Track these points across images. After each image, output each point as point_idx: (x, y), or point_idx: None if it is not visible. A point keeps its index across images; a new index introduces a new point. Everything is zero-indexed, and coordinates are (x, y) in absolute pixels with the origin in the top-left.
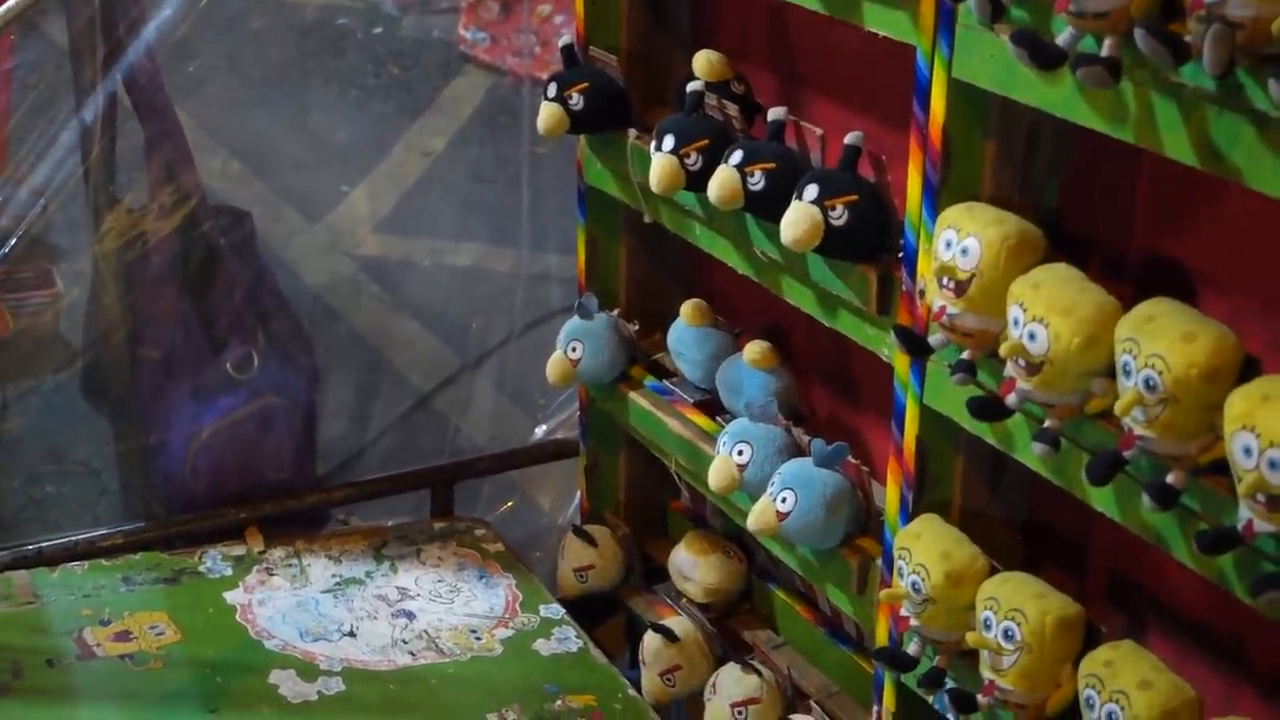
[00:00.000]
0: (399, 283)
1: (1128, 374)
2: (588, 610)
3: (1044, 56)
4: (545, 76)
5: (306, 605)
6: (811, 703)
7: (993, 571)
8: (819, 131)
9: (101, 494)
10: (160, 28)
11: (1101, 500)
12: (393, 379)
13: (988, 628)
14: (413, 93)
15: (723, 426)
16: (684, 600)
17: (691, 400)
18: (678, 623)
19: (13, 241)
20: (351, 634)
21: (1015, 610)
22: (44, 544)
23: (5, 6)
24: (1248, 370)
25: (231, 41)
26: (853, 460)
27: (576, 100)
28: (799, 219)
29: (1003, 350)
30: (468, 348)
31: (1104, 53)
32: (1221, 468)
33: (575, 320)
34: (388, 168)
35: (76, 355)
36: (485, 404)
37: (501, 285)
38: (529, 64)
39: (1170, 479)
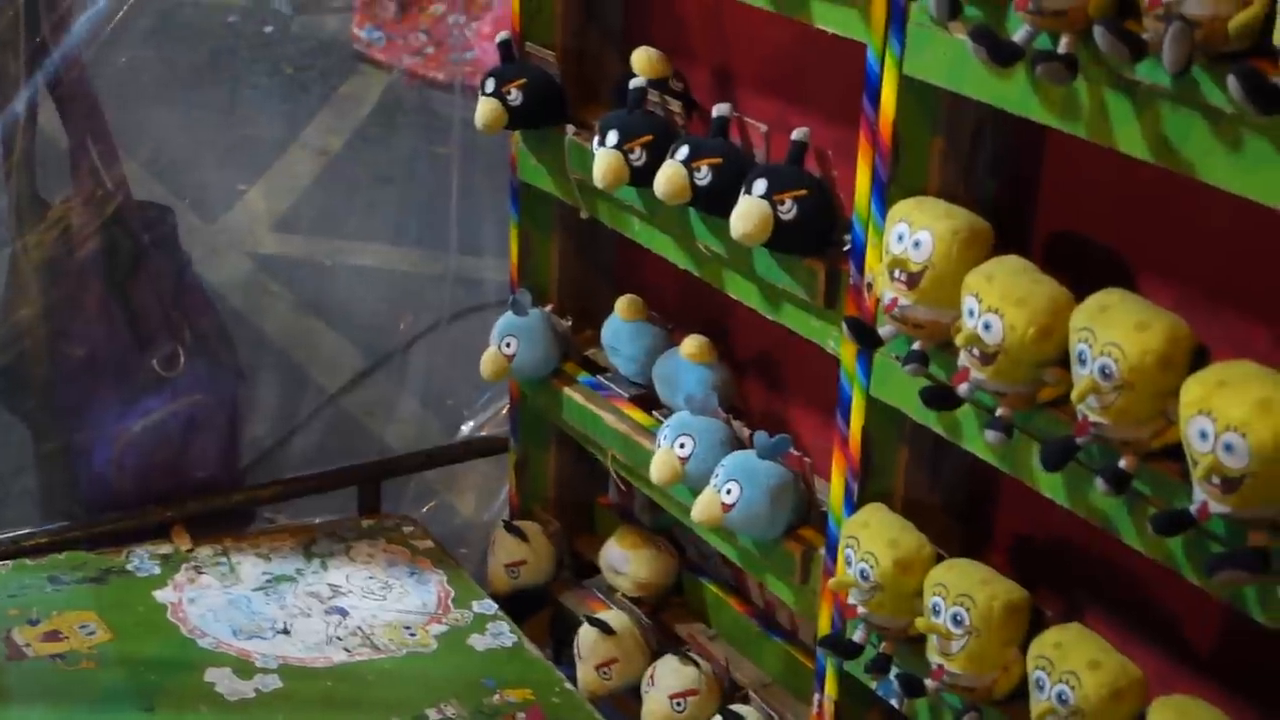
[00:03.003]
0: (301, 281)
1: (1083, 362)
2: (521, 604)
3: (1002, 53)
4: (442, 77)
5: (238, 603)
6: (750, 693)
7: (938, 559)
8: (763, 127)
9: (4, 495)
10: (90, 22)
11: (1050, 487)
12: (300, 379)
13: (936, 613)
14: (307, 91)
15: (659, 421)
16: (617, 595)
17: (627, 395)
18: (613, 616)
19: None
20: (285, 631)
21: (964, 595)
22: None
23: None
24: (1197, 358)
25: (124, 42)
26: (795, 452)
27: (515, 96)
28: (749, 213)
29: (958, 340)
30: (377, 346)
31: (1061, 50)
32: (1171, 453)
33: (509, 316)
34: (284, 166)
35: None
36: (407, 403)
37: (403, 284)
38: (425, 63)
39: (1123, 464)
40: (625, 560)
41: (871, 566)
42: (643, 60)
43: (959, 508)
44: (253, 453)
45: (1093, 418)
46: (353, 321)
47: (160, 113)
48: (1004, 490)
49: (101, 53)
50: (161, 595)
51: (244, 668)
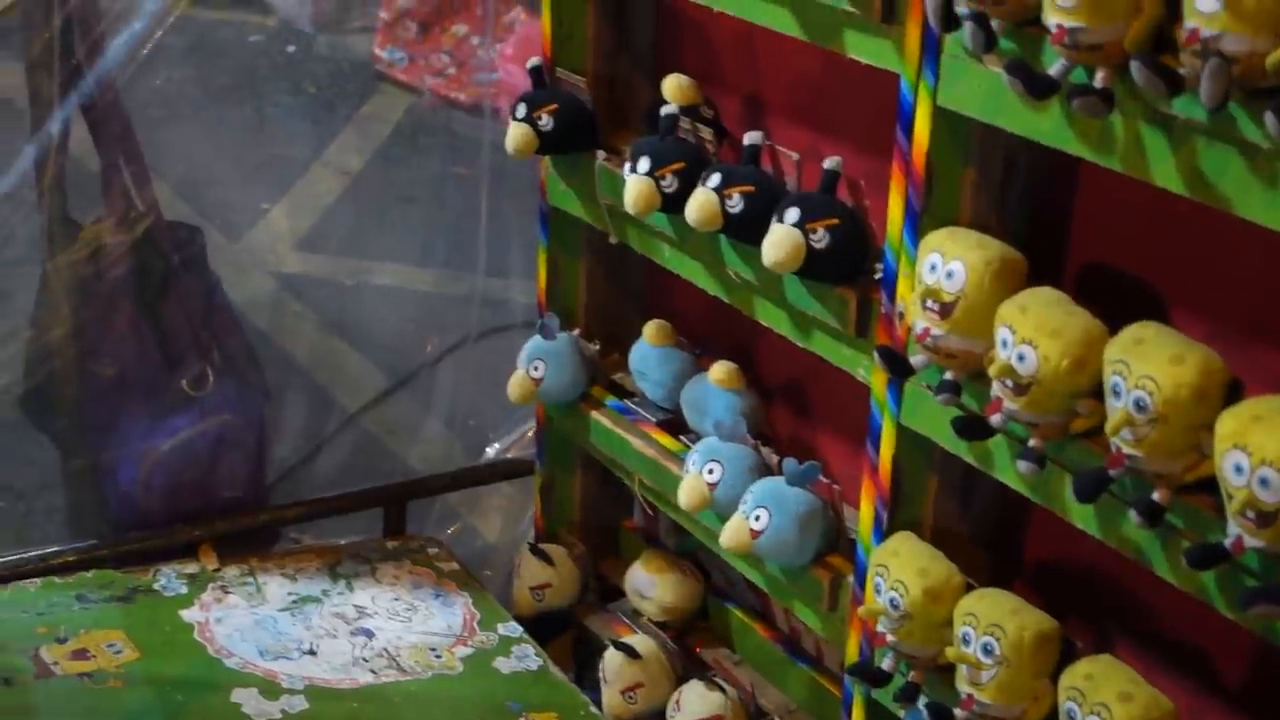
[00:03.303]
0: (324, 301)
1: (1117, 395)
2: (545, 626)
3: (1038, 87)
4: (463, 98)
5: (264, 623)
6: (774, 719)
7: (968, 588)
8: (795, 156)
9: (28, 513)
10: (125, 45)
11: (1083, 518)
12: (321, 399)
13: (966, 643)
14: (330, 111)
15: (686, 446)
16: (643, 619)
17: (654, 420)
18: (639, 640)
19: None
20: (312, 652)
21: (994, 625)
22: None
23: None
24: (1232, 392)
25: (150, 63)
26: (824, 479)
27: (546, 121)
28: (782, 241)
29: (991, 371)
30: (398, 366)
31: (1098, 84)
32: (1204, 486)
33: (537, 339)
34: (306, 185)
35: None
36: (433, 424)
37: (429, 305)
38: (447, 84)
39: (1156, 496)
40: (650, 584)
41: (901, 595)
42: (674, 87)
43: (988, 537)
44: (278, 472)
45: (1126, 450)
46: (375, 341)
47: (185, 132)
48: (1034, 520)
49: (128, 74)
50: (188, 615)
51: (270, 688)
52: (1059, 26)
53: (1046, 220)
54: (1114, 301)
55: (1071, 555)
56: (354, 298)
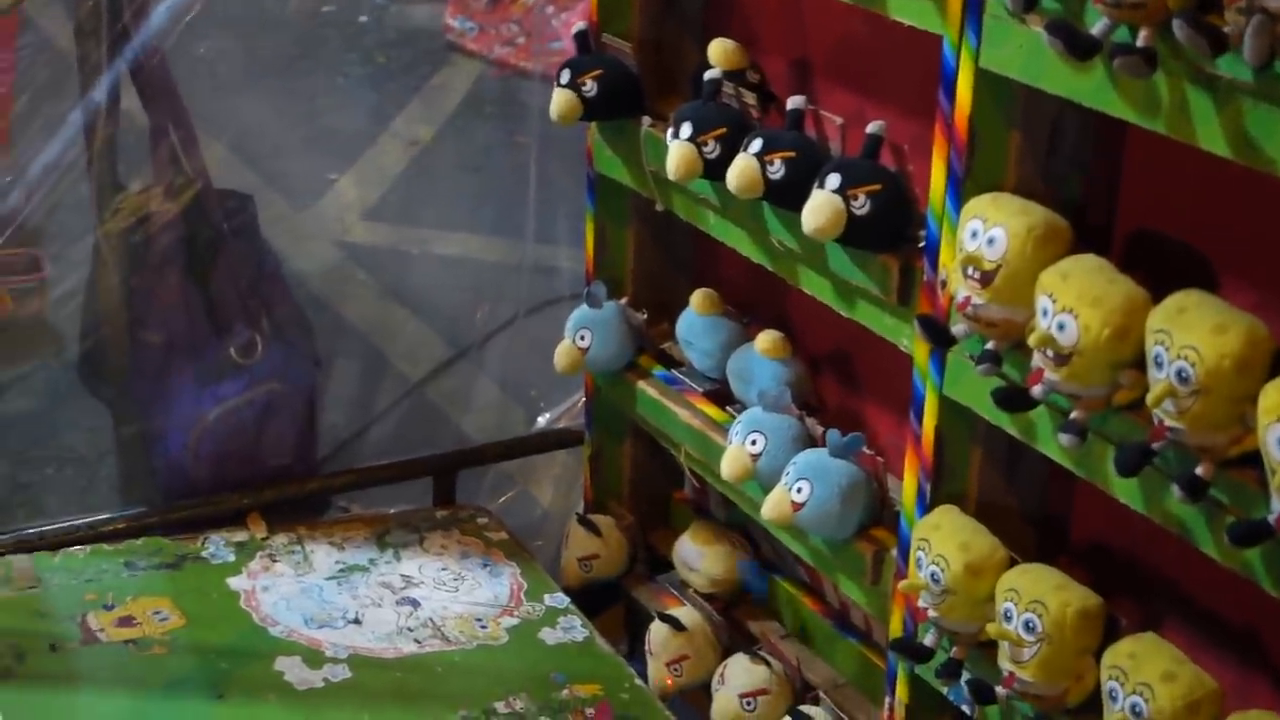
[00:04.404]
0: (390, 271)
1: (1159, 365)
2: (591, 598)
3: (1079, 46)
4: (533, 67)
5: (310, 592)
6: (820, 694)
7: (1011, 563)
8: (839, 120)
9: (91, 480)
10: (170, 9)
11: (1126, 492)
12: (383, 368)
13: (1008, 619)
14: (399, 81)
15: (733, 416)
16: (690, 590)
17: (701, 390)
18: (684, 613)
19: (12, 227)
20: (357, 621)
21: (1036, 602)
22: (45, 528)
23: None
24: (1278, 363)
25: (218, 30)
26: (867, 451)
27: (590, 87)
28: (821, 207)
29: (1031, 341)
30: (461, 337)
31: (1140, 43)
32: (1249, 460)
33: (584, 309)
34: (375, 156)
35: (63, 342)
36: (486, 393)
37: (494, 275)
38: (516, 54)
39: (1199, 470)
40: (699, 556)
41: (942, 570)
42: (719, 51)
43: (1034, 511)
44: (330, 442)
45: (1169, 422)
46: (437, 310)
47: (254, 101)
48: (1081, 493)
49: (196, 41)
50: (235, 583)
51: (314, 657)
52: None
53: (1095, 185)
54: (1163, 269)
55: (1119, 530)
56: (418, 266)
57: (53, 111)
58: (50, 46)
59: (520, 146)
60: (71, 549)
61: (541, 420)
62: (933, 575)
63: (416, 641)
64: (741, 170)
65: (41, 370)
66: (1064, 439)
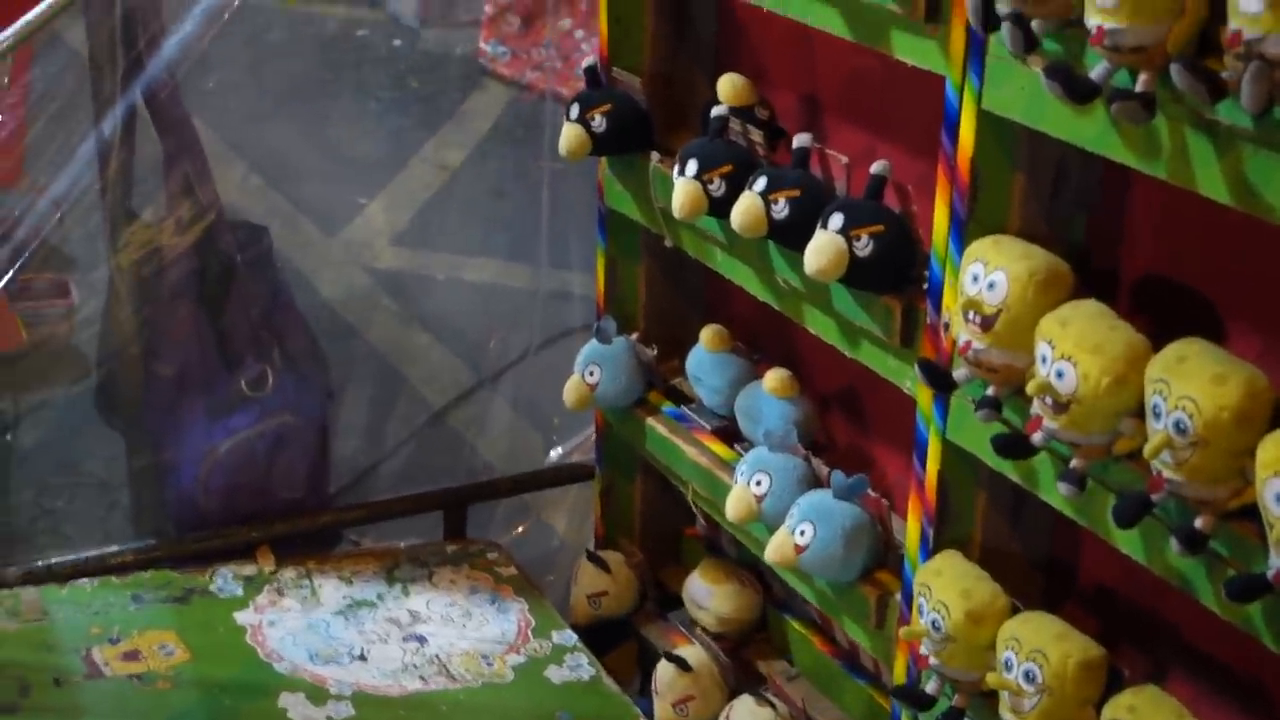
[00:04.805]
0: (415, 297)
1: (1158, 416)
2: (600, 635)
3: (1077, 90)
4: (565, 92)
5: (317, 627)
6: None
7: (1014, 610)
8: (844, 159)
9: (111, 508)
10: (181, 42)
11: (1127, 543)
12: (407, 395)
13: (1009, 668)
14: (431, 106)
15: (741, 454)
16: (698, 629)
17: (709, 427)
18: (692, 652)
19: (27, 254)
20: (362, 657)
21: (1037, 651)
22: (53, 561)
23: (25, 18)
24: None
25: (250, 54)
26: (872, 493)
27: (599, 122)
28: (823, 249)
29: (1030, 388)
30: (483, 364)
31: (1139, 88)
32: (1251, 513)
33: (593, 344)
34: (405, 181)
35: (90, 368)
36: (500, 422)
37: (518, 301)
38: (549, 78)
39: (1199, 524)
40: (708, 595)
41: (943, 617)
42: (728, 87)
43: (1040, 556)
44: (348, 472)
45: (1167, 474)
46: (462, 337)
47: (286, 125)
48: (1088, 538)
49: (228, 66)
50: (242, 617)
51: (318, 694)
52: (1099, 28)
53: (1101, 228)
54: (1169, 315)
55: (1125, 578)
56: (444, 292)
57: (68, 139)
58: (65, 74)
59: (543, 172)
60: (79, 581)
61: (554, 454)
62: (933, 622)
63: (422, 679)
64: (745, 209)
65: (65, 396)
66: (1063, 488)
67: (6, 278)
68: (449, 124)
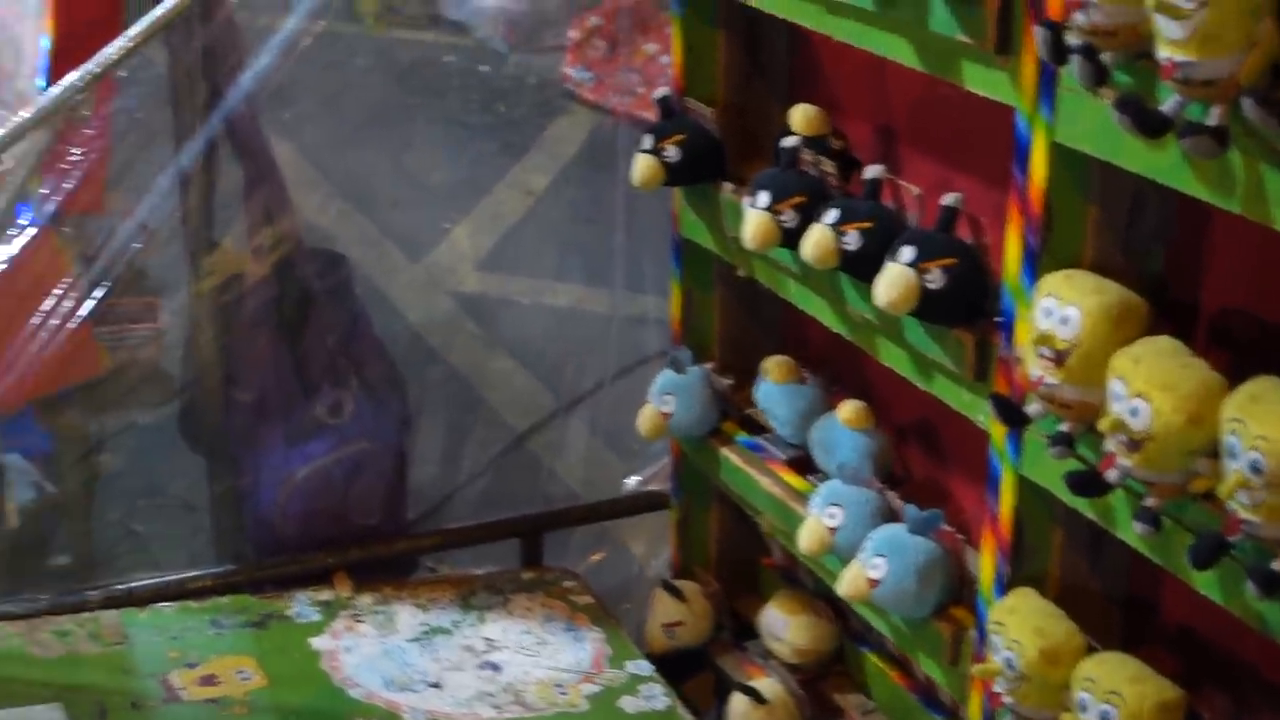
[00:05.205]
0: (498, 321)
1: (1233, 455)
2: (677, 664)
3: (1148, 124)
4: (649, 117)
5: (392, 654)
6: None
7: (1090, 650)
8: (916, 191)
9: (196, 531)
10: (260, 72)
11: (1204, 583)
12: (488, 419)
13: (1084, 709)
14: (517, 131)
15: (815, 485)
16: (774, 661)
17: (783, 457)
18: (766, 684)
19: (109, 281)
20: (436, 685)
21: (1112, 693)
22: (134, 584)
23: (108, 50)
24: None
25: (339, 81)
26: (947, 528)
27: (672, 152)
28: (894, 281)
29: (1102, 426)
30: (564, 389)
31: (1211, 121)
32: None
33: (668, 373)
34: (490, 206)
35: (175, 391)
36: (579, 448)
37: (599, 326)
38: (632, 103)
39: (1276, 565)
40: (784, 626)
41: (1017, 655)
42: (800, 117)
43: (1119, 594)
44: (424, 500)
45: (1243, 515)
46: (545, 362)
47: (374, 151)
48: (1167, 578)
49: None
50: (318, 643)
51: None
52: (1169, 61)
53: (1179, 259)
54: (1249, 351)
55: (1207, 616)
56: (528, 317)
57: (149, 169)
58: (147, 104)
59: (635, 198)
60: (159, 605)
61: (631, 482)
62: (1007, 661)
63: (495, 708)
64: (816, 241)
65: (154, 418)
66: (1138, 527)
67: (89, 305)
68: (534, 149)
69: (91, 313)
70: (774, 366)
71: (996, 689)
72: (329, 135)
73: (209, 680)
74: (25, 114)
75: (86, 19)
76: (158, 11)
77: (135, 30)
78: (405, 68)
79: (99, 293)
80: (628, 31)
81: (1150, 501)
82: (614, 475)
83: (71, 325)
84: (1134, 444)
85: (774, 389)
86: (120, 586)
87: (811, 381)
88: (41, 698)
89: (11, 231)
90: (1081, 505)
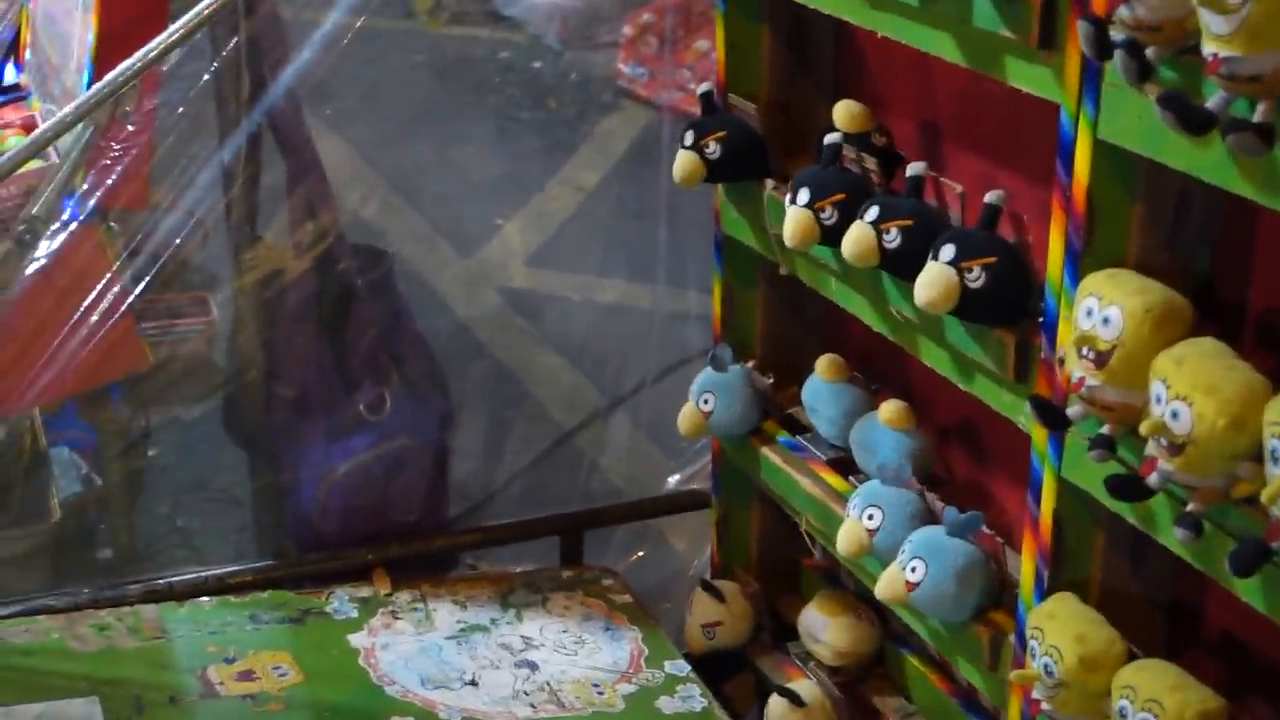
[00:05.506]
0: (546, 317)
1: (1276, 460)
2: (717, 665)
3: (1192, 121)
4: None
5: (429, 651)
6: None
7: (1131, 657)
8: (959, 188)
9: (242, 526)
10: (300, 67)
11: (1247, 590)
12: (532, 415)
13: (1124, 717)
14: (569, 127)
15: (855, 486)
16: (813, 662)
17: (824, 458)
18: (805, 686)
19: (149, 276)
20: (473, 683)
21: (1152, 701)
22: (174, 579)
23: (151, 45)
24: None
25: (393, 76)
26: (987, 531)
27: (713, 149)
28: (934, 281)
29: (1143, 429)
30: (608, 385)
31: (1257, 118)
32: None
33: (709, 371)
34: (542, 202)
35: (219, 385)
36: (623, 443)
37: (643, 322)
38: (683, 99)
39: None
40: (824, 627)
41: (1055, 662)
42: (844, 114)
43: (1163, 599)
44: (466, 498)
45: None
46: (592, 358)
47: (426, 145)
48: (1212, 584)
49: (371, 87)
50: (356, 639)
51: (427, 719)
52: (1214, 56)
53: (1226, 258)
54: None
55: (1253, 622)
56: (576, 313)
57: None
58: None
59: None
60: (199, 600)
61: (672, 480)
62: (1046, 667)
63: (531, 706)
64: (856, 239)
65: (202, 412)
66: (1178, 533)
67: (133, 300)
68: (586, 145)
69: (136, 307)
70: (824, 364)
71: (1035, 695)
72: (383, 131)
73: (247, 675)
74: (70, 109)
75: (132, 14)
76: (202, 6)
77: (179, 25)
78: (459, 64)
79: (141, 288)
80: (680, 28)
81: (1192, 506)
82: (658, 470)
83: (114, 320)
84: (1175, 448)
85: (822, 387)
86: (160, 581)
87: (856, 381)
88: (79, 691)
89: (55, 226)
90: (1123, 510)
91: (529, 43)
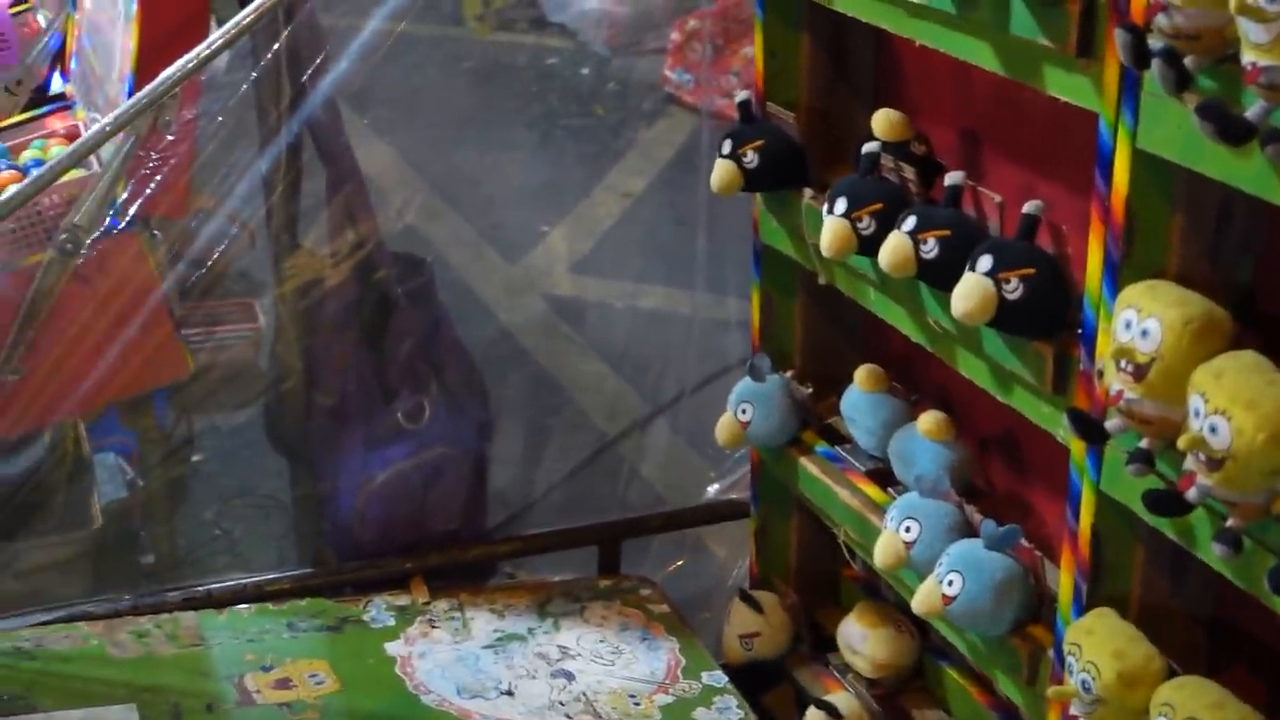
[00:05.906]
0: (590, 324)
1: None
2: (756, 676)
3: (1231, 130)
4: None
5: (466, 660)
6: None
7: (1171, 673)
8: (998, 198)
9: (285, 532)
10: (339, 76)
11: None
12: (573, 422)
13: None
14: (616, 133)
15: (894, 497)
16: (851, 674)
17: (863, 469)
18: (843, 699)
19: (191, 283)
20: (509, 693)
21: (1192, 719)
22: (213, 586)
23: (192, 54)
24: None
25: (440, 82)
26: (1026, 544)
27: (751, 158)
28: (970, 291)
29: (1182, 443)
30: (650, 391)
31: None
32: None
33: (747, 381)
34: (588, 208)
35: (260, 392)
36: (663, 451)
37: (682, 329)
38: (728, 106)
39: None
40: (863, 638)
41: (1093, 678)
42: (882, 122)
43: (1205, 615)
44: (507, 506)
45: None
46: (635, 364)
47: (474, 152)
48: (1254, 600)
49: (418, 93)
50: (393, 648)
51: None
52: (1253, 65)
53: (1269, 269)
54: None
55: None
56: (620, 320)
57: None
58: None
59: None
60: (237, 607)
61: (711, 490)
62: (1083, 683)
63: (567, 716)
64: (894, 249)
65: (241, 420)
66: (1217, 549)
67: (176, 307)
68: (632, 152)
69: (178, 314)
70: (864, 374)
71: (1073, 711)
72: (429, 137)
73: (283, 684)
74: (111, 118)
75: (172, 23)
76: (242, 15)
77: (220, 34)
78: (506, 70)
79: (186, 293)
80: (726, 34)
81: (1232, 522)
82: (699, 478)
83: (155, 327)
84: (1214, 463)
85: (861, 397)
86: (200, 588)
87: (896, 392)
88: (118, 698)
89: (97, 234)
90: (1163, 525)
91: (576, 49)
